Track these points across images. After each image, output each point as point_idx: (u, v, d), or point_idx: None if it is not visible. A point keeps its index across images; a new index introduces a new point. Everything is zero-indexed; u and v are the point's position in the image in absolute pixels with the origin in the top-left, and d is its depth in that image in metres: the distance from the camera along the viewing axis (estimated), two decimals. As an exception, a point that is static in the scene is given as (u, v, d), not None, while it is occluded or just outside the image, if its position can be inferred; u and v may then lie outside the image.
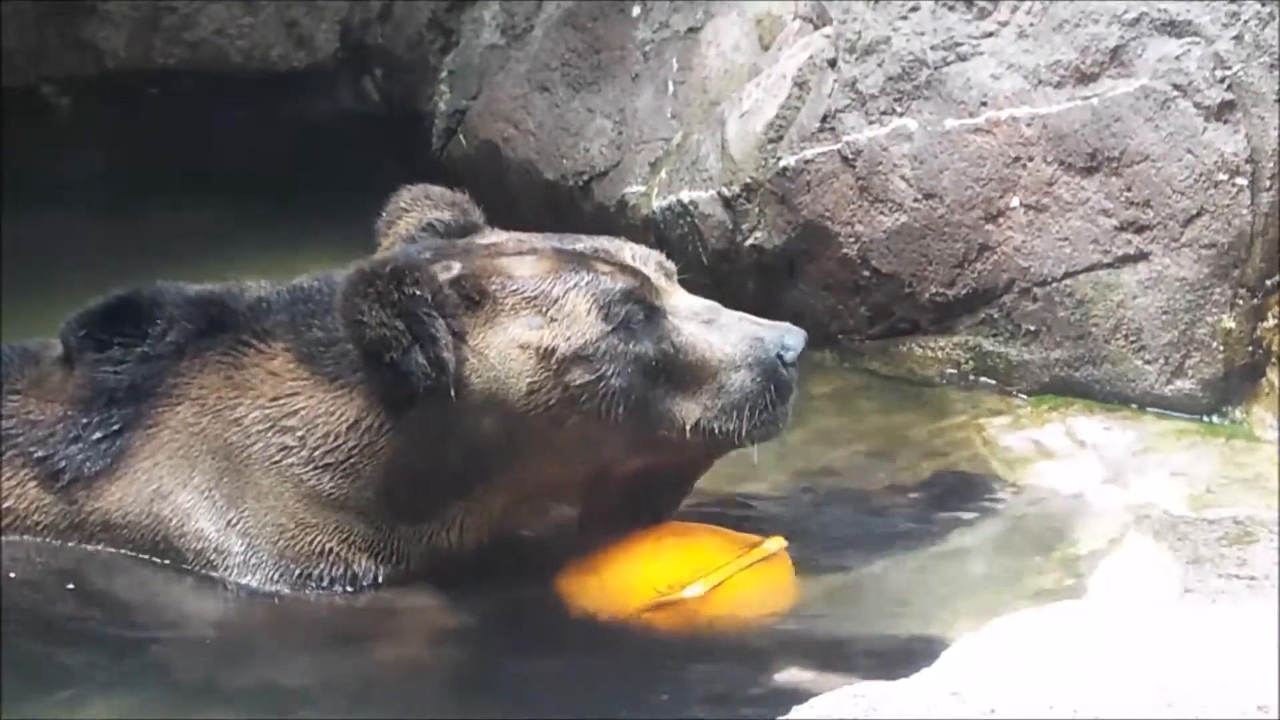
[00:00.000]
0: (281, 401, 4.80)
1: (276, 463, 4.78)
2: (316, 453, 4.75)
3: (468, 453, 4.73)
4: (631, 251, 4.90)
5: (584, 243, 4.91)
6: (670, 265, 4.95)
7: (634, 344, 4.70)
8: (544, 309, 4.70)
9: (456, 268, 4.78)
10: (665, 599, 4.71)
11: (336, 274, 4.90)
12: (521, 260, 4.82)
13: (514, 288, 4.73)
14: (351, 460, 4.74)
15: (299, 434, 4.77)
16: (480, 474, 4.76)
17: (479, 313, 4.71)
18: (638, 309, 4.73)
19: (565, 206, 7.27)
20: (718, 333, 4.79)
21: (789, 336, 4.78)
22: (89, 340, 4.96)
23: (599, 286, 4.73)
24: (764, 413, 4.75)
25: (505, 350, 4.68)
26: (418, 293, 4.58)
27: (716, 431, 4.75)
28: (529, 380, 4.66)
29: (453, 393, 4.60)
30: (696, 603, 4.71)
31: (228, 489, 4.81)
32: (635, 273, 4.81)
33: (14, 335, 5.33)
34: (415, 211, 5.12)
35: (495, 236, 5.03)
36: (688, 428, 4.74)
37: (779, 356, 4.74)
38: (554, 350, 4.66)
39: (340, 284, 4.67)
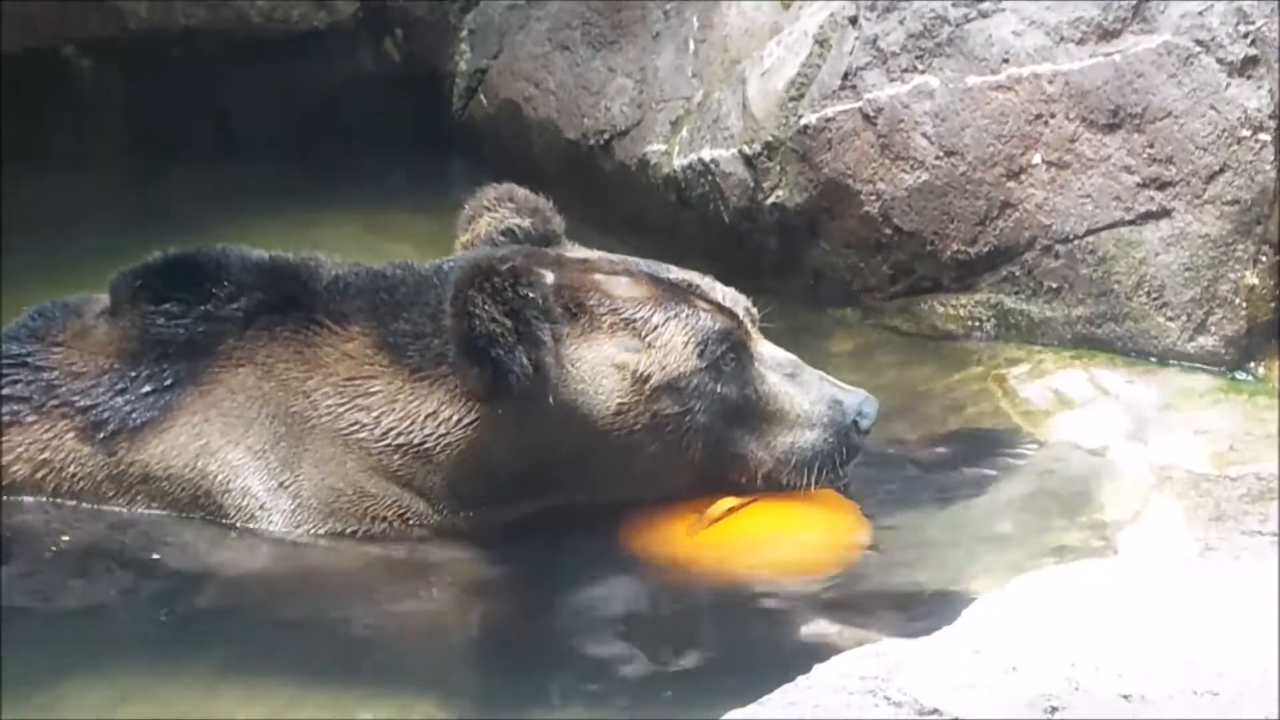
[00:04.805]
0: (358, 383, 4.82)
1: (345, 434, 4.80)
2: (390, 433, 4.78)
3: (542, 463, 4.78)
4: (722, 292, 4.98)
5: (674, 273, 4.98)
6: (755, 312, 5.03)
7: (722, 385, 4.81)
8: (642, 334, 4.78)
9: (551, 277, 4.81)
10: (715, 516, 4.79)
11: (419, 264, 4.96)
12: (617, 281, 4.89)
13: (613, 307, 4.81)
14: (426, 446, 4.76)
15: (375, 413, 4.79)
16: (548, 486, 4.82)
17: (574, 325, 4.77)
18: (731, 351, 4.83)
19: (586, 165, 7.26)
20: (799, 388, 4.91)
21: (866, 404, 4.91)
22: (143, 293, 4.95)
23: (698, 322, 4.82)
24: (831, 472, 4.89)
25: (598, 367, 4.75)
26: (531, 294, 4.64)
27: (784, 483, 4.87)
28: (619, 400, 4.74)
29: (550, 398, 4.64)
30: (752, 517, 4.82)
31: (284, 452, 4.82)
32: (731, 314, 4.91)
33: (33, 299, 5.29)
34: (497, 211, 5.15)
35: (582, 251, 5.09)
36: (759, 476, 4.87)
37: (854, 422, 4.88)
38: (648, 376, 4.75)
39: (455, 272, 4.71)
